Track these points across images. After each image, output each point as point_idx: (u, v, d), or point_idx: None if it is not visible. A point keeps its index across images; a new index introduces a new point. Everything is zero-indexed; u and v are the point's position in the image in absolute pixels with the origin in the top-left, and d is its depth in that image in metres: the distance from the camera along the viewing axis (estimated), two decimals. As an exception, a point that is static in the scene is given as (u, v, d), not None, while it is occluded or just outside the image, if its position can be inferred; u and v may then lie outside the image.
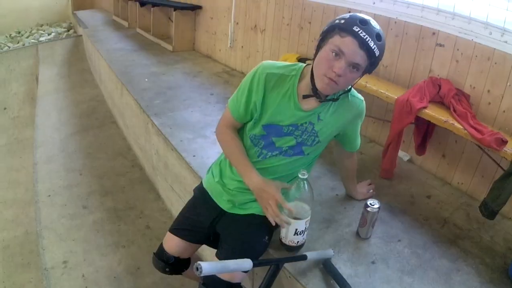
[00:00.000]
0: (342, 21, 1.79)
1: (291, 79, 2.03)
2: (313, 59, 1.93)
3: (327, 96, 2.00)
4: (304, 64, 2.08)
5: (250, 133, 2.15)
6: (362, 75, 1.92)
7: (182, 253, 2.34)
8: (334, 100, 2.03)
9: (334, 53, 1.79)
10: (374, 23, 1.80)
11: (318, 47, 1.90)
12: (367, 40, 1.74)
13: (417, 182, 3.09)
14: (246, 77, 2.08)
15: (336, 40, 1.79)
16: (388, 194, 2.88)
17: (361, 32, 1.74)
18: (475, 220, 2.68)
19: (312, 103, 2.04)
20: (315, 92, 1.96)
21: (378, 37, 1.78)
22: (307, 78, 1.97)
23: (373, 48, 1.76)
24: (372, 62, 1.83)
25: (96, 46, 6.69)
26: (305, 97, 2.00)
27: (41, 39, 10.50)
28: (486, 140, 2.44)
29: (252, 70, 2.06)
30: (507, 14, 2.61)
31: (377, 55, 1.79)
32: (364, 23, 1.77)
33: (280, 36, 4.64)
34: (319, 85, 1.89)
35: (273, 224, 1.99)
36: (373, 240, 2.40)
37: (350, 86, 2.05)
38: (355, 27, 1.75)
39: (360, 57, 1.78)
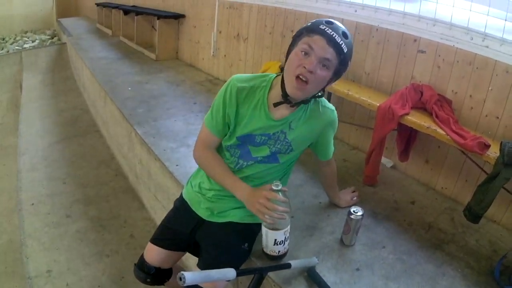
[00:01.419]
0: (309, 24, 1.88)
1: (262, 90, 2.06)
2: (284, 66, 1.95)
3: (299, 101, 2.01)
4: (275, 75, 2.10)
5: (226, 144, 2.17)
6: (334, 76, 1.94)
7: (163, 263, 2.33)
8: (304, 103, 2.04)
9: (303, 52, 1.83)
10: (339, 23, 1.87)
11: (288, 53, 1.94)
12: (334, 36, 1.80)
13: (401, 188, 3.10)
14: (218, 93, 2.10)
15: (305, 40, 1.84)
16: (372, 201, 2.88)
17: (328, 30, 1.81)
18: (460, 224, 2.69)
19: (283, 111, 2.06)
20: (285, 98, 1.97)
21: (344, 35, 1.84)
22: (277, 87, 1.99)
23: (340, 43, 1.81)
24: (342, 61, 1.86)
25: (80, 54, 6.68)
26: (276, 105, 2.02)
27: (25, 46, 10.49)
28: (468, 145, 2.45)
29: (224, 85, 2.09)
30: (487, 18, 2.63)
31: (345, 51, 1.83)
32: (329, 23, 1.84)
33: (262, 44, 4.64)
34: (289, 89, 1.91)
35: (273, 222, 1.97)
36: (357, 247, 2.40)
37: (321, 92, 2.05)
38: (321, 25, 1.82)
39: (329, 53, 1.81)
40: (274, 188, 1.94)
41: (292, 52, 1.90)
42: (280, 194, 1.95)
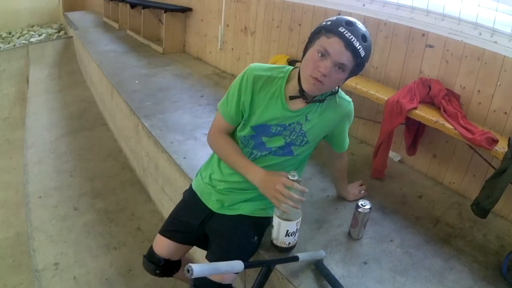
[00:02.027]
0: (329, 23, 1.83)
1: (279, 81, 2.05)
2: (301, 62, 1.95)
3: (314, 97, 2.01)
4: (292, 67, 2.10)
5: (240, 135, 2.17)
6: (349, 76, 1.94)
7: (172, 255, 2.33)
8: (320, 101, 2.05)
9: (320, 54, 1.82)
10: (360, 24, 1.84)
11: (305, 49, 1.94)
12: (352, 40, 1.77)
13: (409, 182, 3.10)
14: (235, 80, 2.10)
15: (322, 41, 1.82)
16: (380, 194, 2.88)
17: (347, 33, 1.77)
18: (467, 219, 2.69)
19: (299, 104, 2.06)
20: (301, 94, 1.98)
21: (363, 38, 1.81)
22: (295, 80, 1.99)
23: (358, 48, 1.79)
24: (358, 63, 1.86)
25: (87, 48, 6.68)
26: (292, 98, 2.03)
27: (31, 40, 10.47)
28: (477, 139, 2.45)
29: (240, 73, 2.09)
30: (496, 14, 2.62)
31: (362, 56, 1.82)
32: (350, 24, 1.80)
33: (270, 38, 4.64)
34: (305, 86, 1.91)
35: (287, 211, 1.96)
36: (365, 241, 2.40)
37: (337, 88, 2.06)
38: (340, 27, 1.78)
39: (345, 58, 1.80)
40: (291, 178, 1.93)
41: (309, 49, 1.90)
42: (297, 184, 1.95)
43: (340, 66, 1.82)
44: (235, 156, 2.13)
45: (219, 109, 2.18)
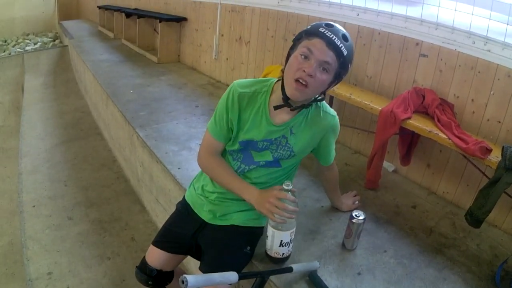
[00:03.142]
0: (309, 27, 1.88)
1: (263, 96, 2.07)
2: (284, 69, 1.96)
3: (299, 105, 2.01)
4: (276, 79, 2.10)
5: (229, 149, 2.18)
6: (334, 80, 1.94)
7: (165, 266, 2.32)
8: (305, 106, 2.04)
9: (303, 56, 1.84)
10: (339, 26, 1.87)
11: (288, 56, 1.95)
12: (333, 39, 1.80)
13: (402, 192, 3.10)
14: (221, 100, 2.11)
15: (304, 44, 1.85)
16: (374, 205, 2.88)
17: (327, 32, 1.81)
18: (461, 229, 2.69)
19: (283, 116, 2.07)
20: (286, 102, 1.98)
21: (344, 37, 1.84)
22: (278, 91, 1.99)
23: (340, 46, 1.81)
24: (342, 64, 1.87)
25: (82, 57, 6.69)
26: (276, 108, 2.02)
27: (27, 48, 10.49)
28: (470, 149, 2.45)
29: (226, 91, 2.10)
30: (489, 22, 2.63)
31: (345, 54, 1.83)
32: (329, 25, 1.85)
33: (264, 48, 4.65)
34: (289, 91, 1.91)
35: (283, 221, 1.95)
36: (359, 251, 2.40)
37: (321, 96, 2.05)
38: (320, 28, 1.82)
39: (328, 56, 1.82)
40: (285, 187, 1.94)
41: (292, 55, 1.91)
42: (290, 194, 1.95)
43: (324, 67, 1.83)
44: (229, 178, 2.13)
45: (208, 129, 2.18)
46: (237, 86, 2.06)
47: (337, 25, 1.86)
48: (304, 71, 1.82)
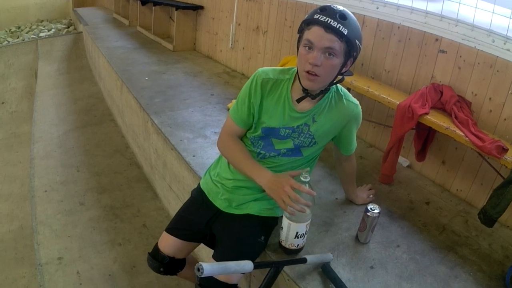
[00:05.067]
0: (306, 16, 1.90)
1: (285, 84, 2.09)
2: None
3: (318, 92, 2.02)
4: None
5: (250, 135, 2.19)
6: (346, 60, 1.93)
7: (177, 253, 2.34)
8: (324, 92, 2.04)
9: (307, 47, 1.87)
10: (336, 6, 1.87)
11: (298, 49, 1.97)
12: (329, 22, 1.80)
13: (416, 188, 3.09)
14: (244, 86, 2.14)
15: (305, 35, 1.88)
16: (387, 199, 2.87)
17: (321, 17, 1.81)
18: (474, 228, 2.68)
19: (306, 105, 2.08)
20: (306, 92, 1.99)
21: (342, 16, 1.83)
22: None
23: (337, 27, 1.80)
24: (347, 42, 1.86)
25: (96, 44, 6.68)
26: (299, 100, 2.04)
27: (41, 34, 10.49)
28: (487, 148, 2.43)
29: (249, 78, 2.12)
30: (510, 22, 2.61)
31: (346, 33, 1.82)
32: (323, 9, 1.85)
33: (282, 38, 4.63)
34: (304, 83, 1.94)
35: (294, 213, 1.95)
36: (372, 245, 2.40)
37: (337, 78, 2.03)
38: (315, 15, 1.84)
39: (329, 41, 1.82)
40: (303, 179, 1.94)
41: (299, 48, 1.94)
42: (307, 186, 1.95)
43: (329, 52, 1.84)
44: (244, 159, 2.14)
45: (230, 115, 2.20)
46: (261, 72, 2.09)
47: (333, 5, 1.86)
48: (310, 63, 1.85)
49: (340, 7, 1.86)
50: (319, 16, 1.81)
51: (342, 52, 1.87)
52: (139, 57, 5.99)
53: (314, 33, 1.83)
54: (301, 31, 1.92)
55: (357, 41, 1.89)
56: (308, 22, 1.86)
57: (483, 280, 2.24)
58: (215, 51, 6.16)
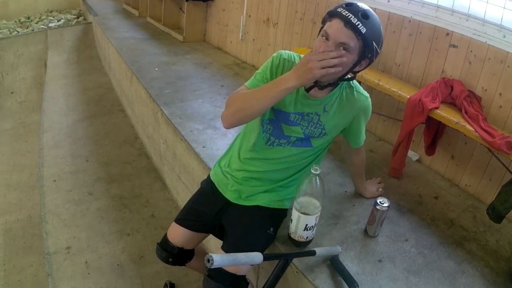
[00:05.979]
0: (332, 8, 1.89)
1: None
2: None
3: (327, 84, 2.02)
4: None
5: (263, 118, 2.18)
6: (360, 59, 1.93)
7: (186, 244, 2.35)
8: (331, 85, 2.04)
9: (324, 38, 1.87)
10: (361, 4, 1.87)
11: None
12: (349, 17, 1.80)
13: (425, 182, 3.09)
14: (264, 64, 2.13)
15: (326, 26, 1.88)
16: (396, 193, 2.88)
17: (344, 12, 1.82)
18: (482, 223, 2.68)
19: (317, 93, 2.08)
20: (315, 82, 1.99)
21: (364, 15, 1.83)
22: None
23: (357, 24, 1.80)
24: (364, 42, 1.85)
25: (106, 34, 6.68)
26: (307, 90, 2.06)
27: (50, 25, 10.47)
28: (496, 143, 2.43)
29: (269, 58, 2.14)
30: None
31: (364, 32, 1.81)
32: (349, 4, 1.86)
33: (292, 30, 4.62)
34: None
35: (334, 71, 1.84)
36: (380, 239, 2.41)
37: (348, 75, 2.03)
38: (339, 8, 1.85)
39: (344, 36, 1.82)
40: (314, 172, 1.96)
41: (318, 37, 1.94)
42: (318, 179, 1.97)
43: (344, 47, 1.84)
44: (259, 89, 2.00)
45: (245, 84, 2.15)
46: (283, 53, 2.11)
47: (358, 3, 1.86)
48: (320, 52, 1.85)
49: (366, 6, 1.87)
50: (342, 10, 1.82)
51: (357, 50, 1.87)
52: (149, 48, 5.98)
53: (333, 26, 1.84)
54: (323, 21, 1.93)
55: (374, 43, 1.89)
56: (331, 14, 1.87)
57: (490, 276, 2.25)
58: (225, 42, 6.14)
